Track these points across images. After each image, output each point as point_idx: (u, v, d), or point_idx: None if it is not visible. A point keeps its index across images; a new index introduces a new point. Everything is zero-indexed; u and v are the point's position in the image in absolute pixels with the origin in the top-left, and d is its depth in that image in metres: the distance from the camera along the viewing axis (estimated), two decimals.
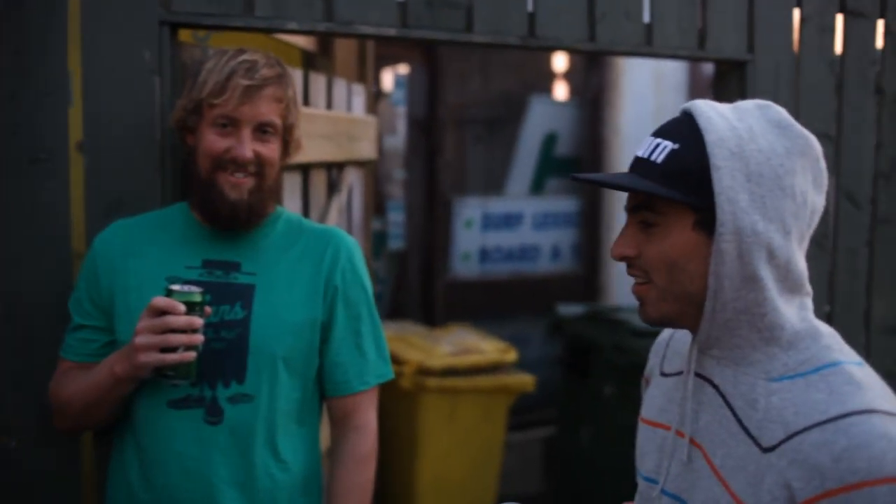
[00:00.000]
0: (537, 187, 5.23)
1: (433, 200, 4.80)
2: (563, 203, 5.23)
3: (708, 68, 5.25)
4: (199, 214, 1.73)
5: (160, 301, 1.54)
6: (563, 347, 4.32)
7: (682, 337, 1.37)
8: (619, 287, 5.06)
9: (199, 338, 1.55)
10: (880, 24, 2.72)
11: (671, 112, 5.17)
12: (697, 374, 1.24)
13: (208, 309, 1.58)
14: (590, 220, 5.17)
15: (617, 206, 5.11)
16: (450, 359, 3.55)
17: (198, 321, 1.55)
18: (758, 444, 1.14)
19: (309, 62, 3.09)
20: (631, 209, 1.22)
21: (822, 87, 2.64)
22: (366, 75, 3.27)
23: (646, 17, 2.38)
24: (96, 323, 1.72)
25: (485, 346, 3.59)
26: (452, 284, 4.89)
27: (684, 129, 1.17)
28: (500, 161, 5.19)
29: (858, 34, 2.68)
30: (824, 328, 1.21)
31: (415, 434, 3.54)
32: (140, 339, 1.54)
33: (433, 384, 3.52)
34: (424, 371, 3.53)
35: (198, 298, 1.56)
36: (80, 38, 1.84)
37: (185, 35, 2.02)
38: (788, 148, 1.15)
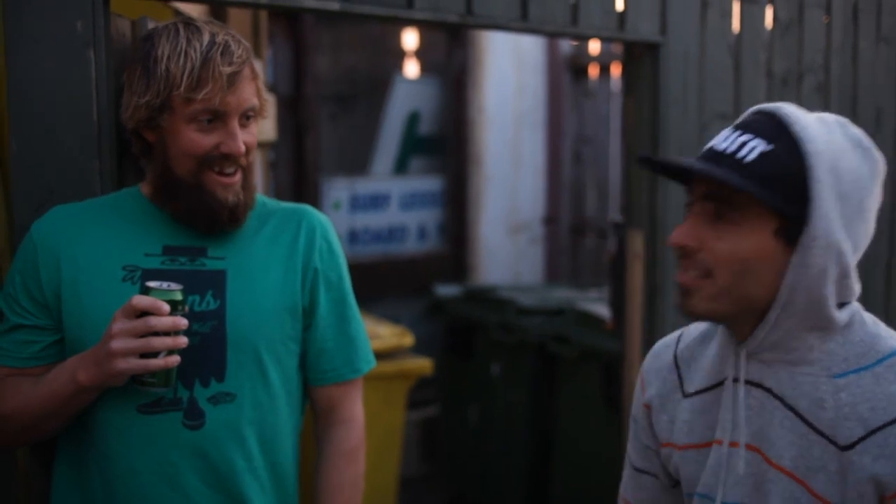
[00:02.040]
0: (401, 167, 5.18)
1: (302, 181, 4.65)
2: (427, 182, 5.21)
3: (565, 49, 5.37)
4: (184, 222, 1.54)
5: (142, 300, 1.37)
6: (445, 328, 4.31)
7: (694, 350, 1.33)
8: (487, 266, 5.10)
9: (184, 340, 1.40)
10: (769, 11, 2.87)
11: (532, 91, 5.34)
12: (747, 382, 1.21)
13: (186, 308, 1.43)
14: (455, 200, 5.17)
15: (483, 183, 5.15)
16: None
17: (183, 322, 1.40)
18: (834, 443, 1.14)
19: None
20: (698, 199, 1.19)
21: (722, 69, 2.75)
22: (261, 50, 3.10)
23: None
24: (37, 322, 1.51)
25: (381, 331, 3.52)
26: None
27: (774, 132, 1.15)
28: (362, 140, 5.10)
29: (751, 19, 2.82)
30: (857, 306, 1.23)
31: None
32: (117, 344, 1.36)
33: None
34: None
35: (179, 297, 1.40)
36: (2, 6, 1.61)
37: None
38: (870, 170, 1.17)
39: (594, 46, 5.26)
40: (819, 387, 1.16)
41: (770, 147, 1.14)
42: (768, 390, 1.20)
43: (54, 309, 1.50)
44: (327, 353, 1.64)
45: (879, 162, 1.19)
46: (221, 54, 1.46)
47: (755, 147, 1.14)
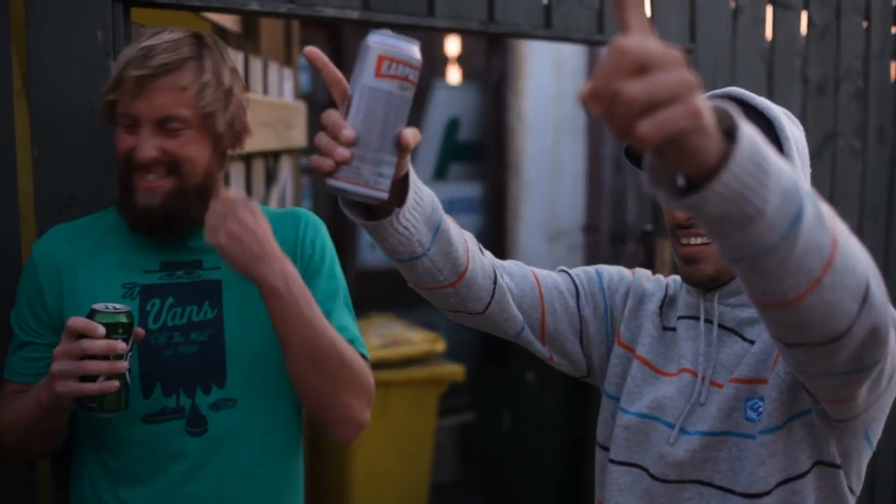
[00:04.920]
0: (441, 173, 5.19)
1: None
2: (466, 189, 5.22)
3: (605, 53, 5.33)
4: (137, 230, 1.54)
5: (77, 322, 1.34)
6: (480, 334, 4.30)
7: (671, 295, 1.40)
8: None
9: (122, 365, 1.37)
10: (804, 16, 2.82)
11: (571, 97, 5.28)
12: (709, 321, 1.30)
13: (140, 331, 1.42)
14: (494, 206, 5.17)
15: (521, 190, 5.14)
16: (381, 351, 3.47)
17: (121, 346, 1.35)
18: (746, 340, 1.26)
19: (223, 40, 2.94)
20: None
21: (754, 75, 2.71)
22: (292, 58, 3.14)
23: (597, 5, 2.38)
24: (42, 340, 1.53)
25: (413, 337, 3.53)
26: (361, 273, 4.79)
27: (740, 108, 1.22)
28: None
29: (785, 25, 2.77)
30: None
31: None
32: (56, 366, 1.34)
33: None
34: None
35: (123, 319, 1.37)
36: (25, 18, 1.66)
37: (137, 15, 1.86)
38: (801, 135, 1.29)
39: None
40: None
41: None
42: (725, 327, 1.29)
43: (59, 327, 1.49)
44: None
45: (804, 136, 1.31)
46: (142, 58, 1.43)
47: None
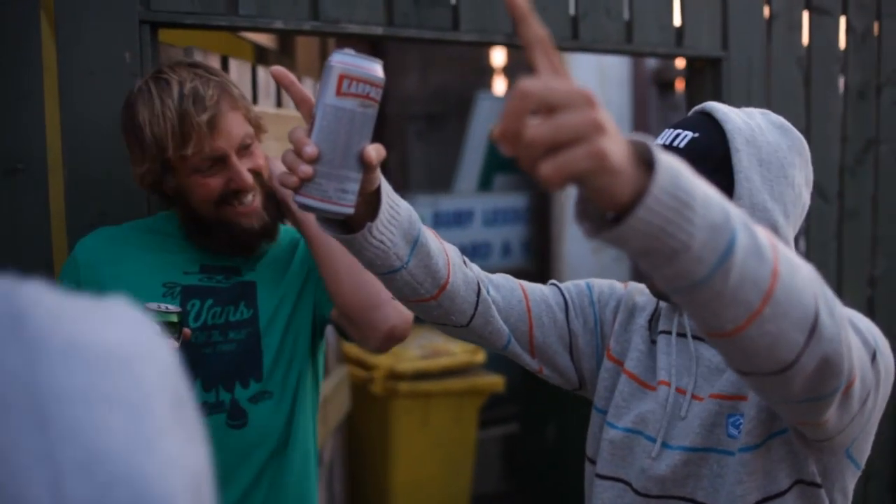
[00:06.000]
0: (485, 184, 5.20)
1: None
2: (511, 199, 5.22)
3: (650, 64, 5.30)
4: (214, 248, 1.63)
5: None
6: None
7: (658, 307, 1.40)
8: None
9: None
10: (843, 21, 2.77)
11: (616, 108, 5.26)
12: (682, 334, 1.31)
13: (188, 331, 1.48)
14: (539, 216, 5.16)
15: (567, 201, 5.12)
16: (420, 362, 3.49)
17: (171, 344, 1.42)
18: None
19: (263, 58, 2.99)
20: None
21: (791, 82, 2.67)
22: None
23: (626, 16, 2.37)
24: None
25: (453, 348, 3.55)
26: None
27: (702, 123, 1.27)
28: (446, 158, 5.14)
29: (823, 31, 2.73)
30: None
31: (388, 439, 3.48)
32: None
33: (405, 388, 3.46)
34: (395, 376, 3.47)
35: (174, 319, 1.43)
36: (56, 39, 1.72)
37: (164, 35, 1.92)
38: (789, 145, 1.27)
39: (680, 61, 5.17)
40: None
41: (696, 134, 1.26)
42: (701, 339, 1.30)
43: None
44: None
45: (798, 140, 1.28)
46: (194, 104, 1.48)
47: (686, 136, 1.26)
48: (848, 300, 2.75)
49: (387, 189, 1.12)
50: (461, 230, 5.04)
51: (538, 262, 5.16)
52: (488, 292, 1.30)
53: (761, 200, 1.22)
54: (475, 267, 1.32)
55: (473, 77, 5.22)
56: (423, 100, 5.02)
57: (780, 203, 1.24)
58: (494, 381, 3.49)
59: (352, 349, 3.58)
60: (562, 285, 1.43)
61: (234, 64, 2.10)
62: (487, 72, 5.31)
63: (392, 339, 1.62)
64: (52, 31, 1.72)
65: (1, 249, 1.69)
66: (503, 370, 3.74)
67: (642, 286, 1.43)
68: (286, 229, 1.74)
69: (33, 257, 1.72)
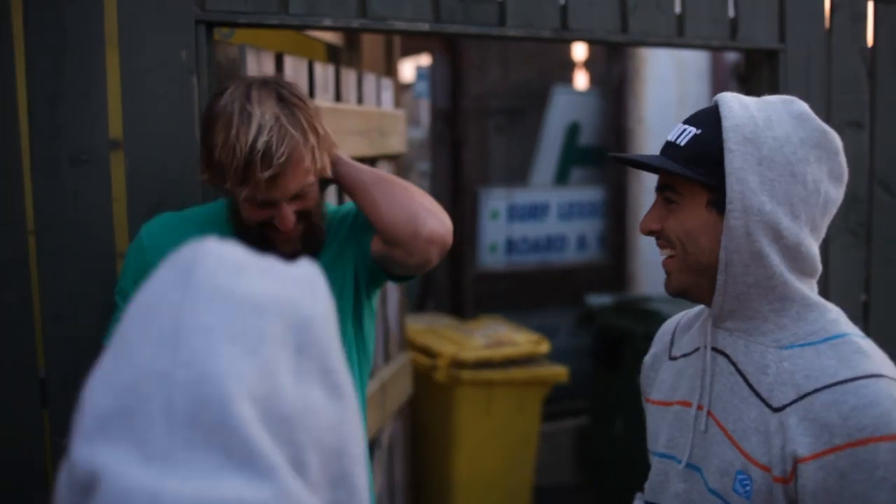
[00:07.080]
0: (562, 178, 5.22)
1: (459, 192, 4.80)
2: (588, 193, 5.22)
3: (731, 56, 5.22)
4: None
5: None
6: (594, 338, 4.32)
7: (690, 322, 1.45)
8: (647, 276, 5.04)
9: None
10: None
11: (694, 100, 5.20)
12: (712, 348, 1.31)
13: None
14: (615, 210, 5.15)
15: (642, 195, 5.10)
16: (484, 351, 3.55)
17: None
18: (768, 406, 1.21)
19: (335, 57, 3.11)
20: (658, 188, 1.32)
21: (853, 75, 2.62)
22: (393, 69, 3.27)
23: (677, 8, 2.38)
24: None
25: (518, 338, 3.60)
26: (480, 276, 4.89)
27: (708, 117, 1.28)
28: (523, 151, 5.19)
29: (890, 21, 2.66)
30: (832, 305, 1.30)
31: (450, 427, 3.55)
32: None
33: (468, 377, 3.53)
34: (459, 364, 3.54)
35: None
36: (118, 38, 1.85)
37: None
38: (803, 138, 1.24)
39: None
40: (766, 355, 1.25)
41: (699, 131, 1.27)
42: (727, 357, 1.30)
43: None
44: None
45: (818, 131, 1.25)
46: (262, 158, 1.53)
47: (689, 132, 1.28)
48: None
49: None
50: (536, 223, 5.07)
51: (613, 255, 5.15)
52: None
53: (757, 203, 1.20)
54: None
55: (553, 71, 5.24)
56: (503, 94, 5.07)
57: (785, 203, 1.21)
58: (558, 372, 3.53)
59: (417, 336, 3.66)
60: None
61: (289, 61, 2.21)
62: (567, 66, 5.33)
63: (432, 242, 1.66)
64: (114, 32, 1.85)
65: (68, 231, 1.83)
66: (568, 361, 3.77)
67: (658, 335, 1.51)
68: (337, 214, 1.82)
69: (97, 239, 1.85)
